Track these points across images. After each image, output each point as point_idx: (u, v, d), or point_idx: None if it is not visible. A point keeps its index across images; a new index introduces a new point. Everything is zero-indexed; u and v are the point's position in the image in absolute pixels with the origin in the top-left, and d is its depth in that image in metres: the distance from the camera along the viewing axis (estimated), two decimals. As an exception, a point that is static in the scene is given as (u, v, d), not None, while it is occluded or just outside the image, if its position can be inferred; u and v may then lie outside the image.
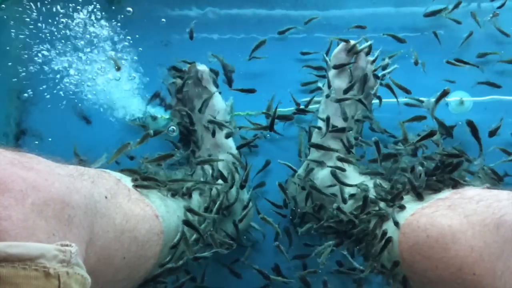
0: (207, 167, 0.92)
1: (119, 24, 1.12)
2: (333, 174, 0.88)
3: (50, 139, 1.08)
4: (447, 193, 0.66)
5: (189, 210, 0.75)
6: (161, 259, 0.67)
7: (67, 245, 0.42)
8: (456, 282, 0.55)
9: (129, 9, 1.14)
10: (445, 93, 0.90)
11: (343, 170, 0.89)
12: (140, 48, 1.12)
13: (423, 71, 1.05)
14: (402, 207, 0.70)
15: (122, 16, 1.13)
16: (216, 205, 0.83)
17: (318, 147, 0.94)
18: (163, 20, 1.16)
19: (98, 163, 0.73)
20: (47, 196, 0.44)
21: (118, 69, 1.02)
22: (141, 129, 1.03)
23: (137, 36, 1.12)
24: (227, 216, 0.94)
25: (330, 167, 0.90)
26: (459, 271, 0.54)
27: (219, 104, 0.99)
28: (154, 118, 1.07)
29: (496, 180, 0.77)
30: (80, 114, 1.07)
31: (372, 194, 0.80)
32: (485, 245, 0.52)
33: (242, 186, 0.93)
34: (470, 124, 0.85)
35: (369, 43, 0.96)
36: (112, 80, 1.08)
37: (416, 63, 1.04)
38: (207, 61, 1.02)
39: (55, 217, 0.44)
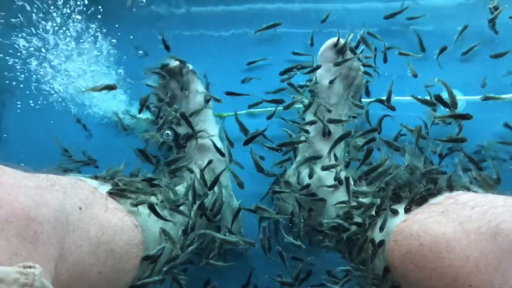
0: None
1: (100, 22, 1.08)
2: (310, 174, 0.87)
3: (24, 144, 1.05)
4: (439, 198, 0.63)
5: (151, 207, 0.68)
6: (142, 271, 0.64)
7: (30, 267, 0.38)
8: None
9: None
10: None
11: (336, 166, 0.88)
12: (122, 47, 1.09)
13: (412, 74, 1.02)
14: (395, 212, 0.67)
15: (103, 14, 1.09)
16: (194, 208, 0.79)
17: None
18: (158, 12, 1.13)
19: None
20: (10, 212, 0.41)
21: (112, 88, 0.96)
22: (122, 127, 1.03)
23: (119, 33, 1.09)
24: (217, 221, 0.90)
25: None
26: (454, 282, 0.51)
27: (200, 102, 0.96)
28: (134, 117, 1.03)
29: (492, 184, 0.74)
30: (77, 120, 1.04)
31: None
32: (481, 255, 0.49)
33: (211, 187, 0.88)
34: (438, 98, 0.85)
35: (351, 36, 0.94)
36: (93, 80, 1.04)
37: (415, 76, 1.01)
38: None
39: (18, 235, 0.41)
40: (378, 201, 0.70)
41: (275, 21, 1.11)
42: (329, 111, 0.90)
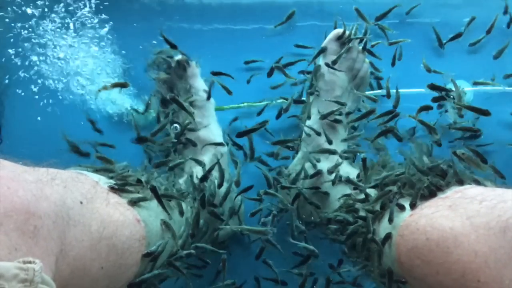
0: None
1: (106, 16, 1.07)
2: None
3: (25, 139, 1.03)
4: (447, 192, 0.62)
5: (153, 190, 0.67)
6: (143, 266, 0.63)
7: (30, 262, 0.37)
8: None
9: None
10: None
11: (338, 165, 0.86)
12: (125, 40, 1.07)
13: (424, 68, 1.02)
14: (402, 207, 0.65)
15: (108, 8, 1.08)
16: (196, 203, 0.78)
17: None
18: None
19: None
20: (9, 206, 0.40)
21: (124, 86, 0.94)
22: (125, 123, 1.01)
23: (122, 24, 1.08)
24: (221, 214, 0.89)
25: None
26: (462, 277, 0.51)
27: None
28: (140, 112, 1.01)
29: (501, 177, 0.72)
30: (88, 118, 1.01)
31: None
32: (490, 250, 0.49)
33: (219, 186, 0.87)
34: (432, 86, 0.86)
35: (356, 27, 0.92)
36: (95, 74, 1.03)
37: (429, 71, 1.00)
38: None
39: (17, 230, 0.40)
40: (395, 188, 0.69)
41: (279, 14, 1.09)
42: (343, 104, 0.89)
